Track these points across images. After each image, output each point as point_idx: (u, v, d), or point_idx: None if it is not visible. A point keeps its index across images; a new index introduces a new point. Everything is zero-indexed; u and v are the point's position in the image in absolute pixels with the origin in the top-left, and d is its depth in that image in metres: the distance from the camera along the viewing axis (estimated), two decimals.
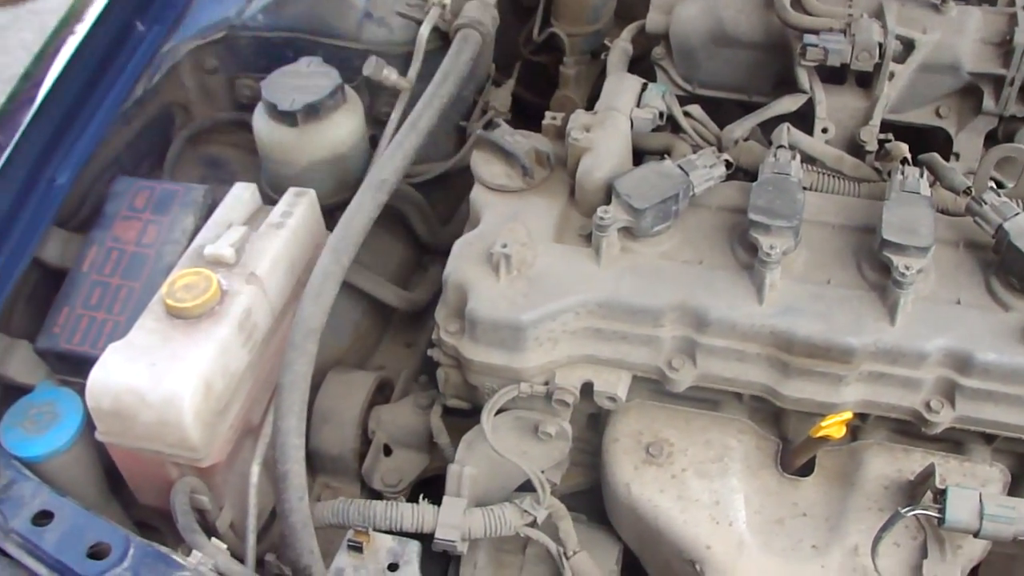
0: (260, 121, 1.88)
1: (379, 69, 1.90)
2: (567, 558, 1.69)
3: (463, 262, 1.63)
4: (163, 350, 1.56)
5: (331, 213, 1.82)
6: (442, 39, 1.99)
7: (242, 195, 1.80)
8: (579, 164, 1.68)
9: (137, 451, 1.60)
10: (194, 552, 1.48)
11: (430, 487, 1.74)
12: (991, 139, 1.94)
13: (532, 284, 1.59)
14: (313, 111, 1.80)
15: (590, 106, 1.82)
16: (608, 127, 1.71)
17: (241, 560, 1.67)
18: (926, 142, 1.92)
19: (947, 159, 1.92)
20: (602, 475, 1.70)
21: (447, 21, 1.98)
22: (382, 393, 2.04)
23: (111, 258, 1.81)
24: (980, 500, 1.47)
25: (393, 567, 1.40)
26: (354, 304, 2.11)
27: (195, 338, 1.58)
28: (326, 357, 2.01)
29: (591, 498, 1.81)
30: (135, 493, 1.74)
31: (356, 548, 1.40)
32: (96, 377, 1.55)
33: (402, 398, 2.01)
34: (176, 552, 1.47)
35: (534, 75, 2.38)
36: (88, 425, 1.62)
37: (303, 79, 1.86)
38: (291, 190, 1.81)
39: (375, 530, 1.59)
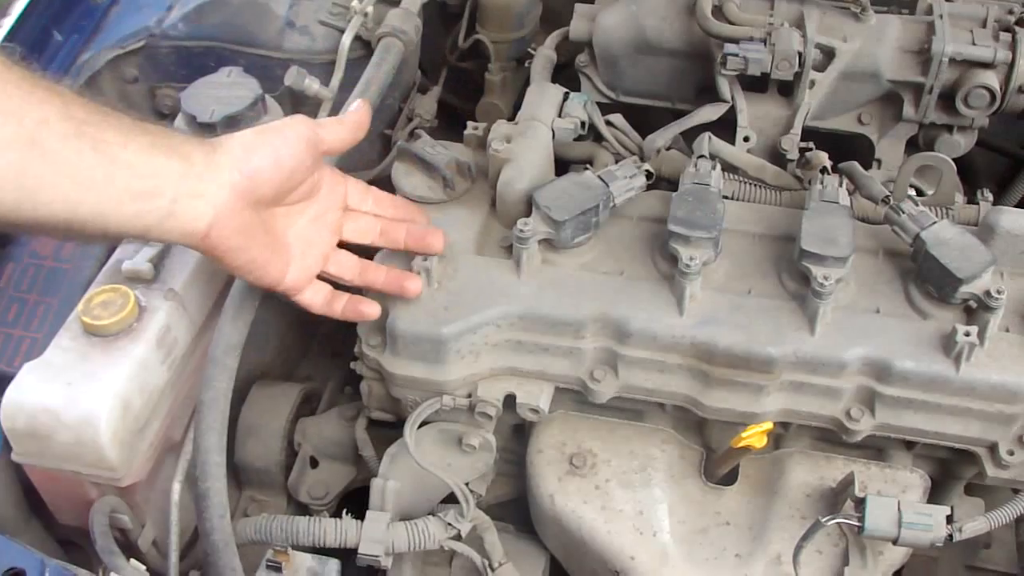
0: None
1: (301, 79, 1.89)
2: (492, 570, 1.69)
3: None
4: (79, 369, 1.54)
5: None
6: (365, 48, 1.98)
7: None
8: (500, 175, 1.67)
9: (55, 471, 1.57)
10: (112, 575, 1.45)
11: (359, 499, 1.73)
12: (913, 145, 1.95)
13: (453, 297, 1.59)
14: (233, 122, 1.78)
15: (515, 113, 1.81)
16: (529, 137, 1.70)
17: None
18: (850, 148, 1.93)
19: (870, 165, 1.94)
20: (527, 486, 1.69)
21: (369, 30, 1.96)
22: (309, 404, 2.02)
23: (28, 274, 1.78)
24: (898, 508, 1.48)
25: None
26: (279, 315, 2.09)
27: (112, 356, 1.56)
28: (251, 369, 2.00)
29: (519, 507, 1.80)
30: (55, 513, 1.72)
31: (275, 568, 1.39)
32: (11, 397, 1.53)
33: (329, 409, 2.00)
34: (95, 574, 1.45)
35: (462, 81, 2.37)
36: (5, 445, 1.59)
37: (223, 90, 1.84)
38: None
39: (298, 546, 1.58)
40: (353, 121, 1.56)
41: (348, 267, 1.60)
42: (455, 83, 2.36)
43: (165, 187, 1.31)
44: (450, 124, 2.16)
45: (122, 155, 1.27)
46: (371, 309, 1.59)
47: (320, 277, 1.58)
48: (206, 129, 1.79)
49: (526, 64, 2.05)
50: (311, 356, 2.23)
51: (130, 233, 1.33)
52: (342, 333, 1.95)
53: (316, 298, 1.58)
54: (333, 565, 1.41)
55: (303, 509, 1.95)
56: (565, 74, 2.07)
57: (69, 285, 1.75)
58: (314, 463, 1.96)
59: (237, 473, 1.96)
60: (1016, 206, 2.03)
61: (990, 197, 1.79)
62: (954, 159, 1.75)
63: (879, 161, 1.94)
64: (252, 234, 1.42)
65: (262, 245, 1.45)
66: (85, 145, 1.23)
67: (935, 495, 1.69)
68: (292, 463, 1.95)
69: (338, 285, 1.60)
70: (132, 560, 1.51)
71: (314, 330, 2.24)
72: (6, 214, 1.21)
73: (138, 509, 1.68)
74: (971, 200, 1.80)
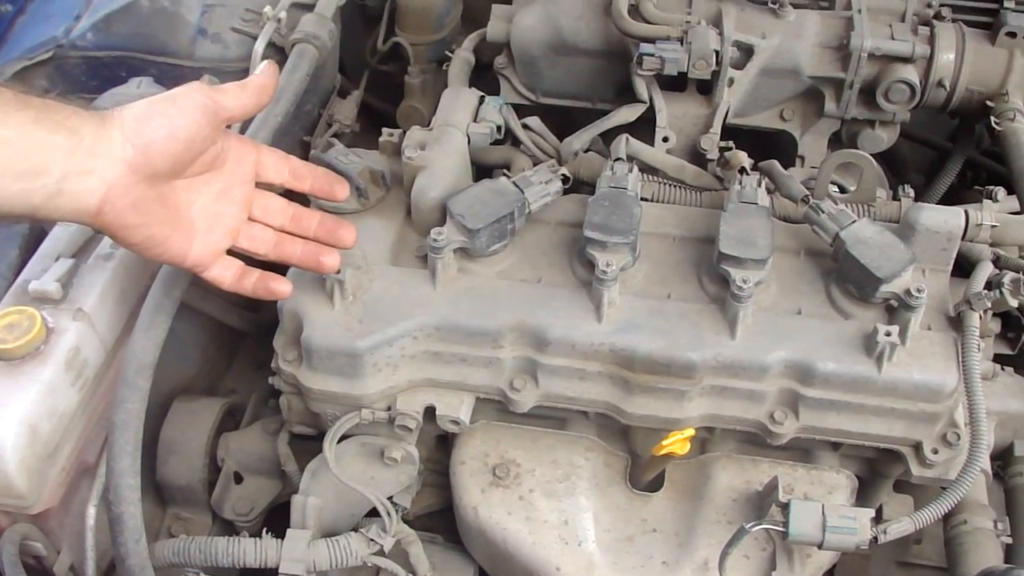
0: None
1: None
2: None
3: (297, 289, 1.58)
4: None
5: None
6: (279, 54, 1.93)
7: (70, 225, 1.73)
8: (414, 183, 1.64)
9: None
10: None
11: (288, 513, 1.70)
12: (836, 140, 1.94)
13: (368, 309, 1.56)
14: None
15: None
16: (444, 144, 1.67)
17: None
18: (773, 145, 1.92)
19: (794, 162, 1.93)
20: (452, 498, 1.67)
21: (283, 36, 1.92)
22: (232, 419, 1.99)
23: None
24: (823, 512, 1.46)
25: None
26: (201, 328, 2.06)
27: (18, 381, 1.51)
28: (174, 384, 1.97)
29: (448, 518, 1.77)
30: None
31: None
32: None
33: (252, 423, 1.97)
34: None
35: (384, 84, 2.33)
36: None
37: (134, 100, 1.80)
38: None
39: (219, 567, 1.55)
40: (256, 85, 1.46)
41: (262, 240, 1.52)
42: (377, 86, 2.32)
43: (51, 164, 1.25)
44: (373, 127, 2.12)
45: (4, 129, 1.21)
46: (282, 287, 1.54)
47: (232, 252, 1.51)
48: None
49: (445, 67, 2.02)
50: (235, 369, 2.19)
51: (18, 212, 1.27)
52: (267, 345, 1.92)
53: (225, 274, 1.50)
54: None
55: (229, 526, 1.92)
56: (487, 76, 2.04)
57: None
58: (239, 479, 1.93)
59: (160, 492, 1.93)
60: (943, 196, 2.04)
61: (911, 193, 1.78)
62: (881, 151, 1.74)
63: (802, 158, 1.94)
64: (148, 210, 1.36)
65: (160, 221, 1.38)
66: None
67: (864, 494, 1.68)
68: (216, 479, 1.91)
69: (254, 261, 1.54)
70: None
71: (238, 342, 2.20)
72: None
73: (53, 535, 1.63)
74: (895, 196, 1.79)
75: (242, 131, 1.81)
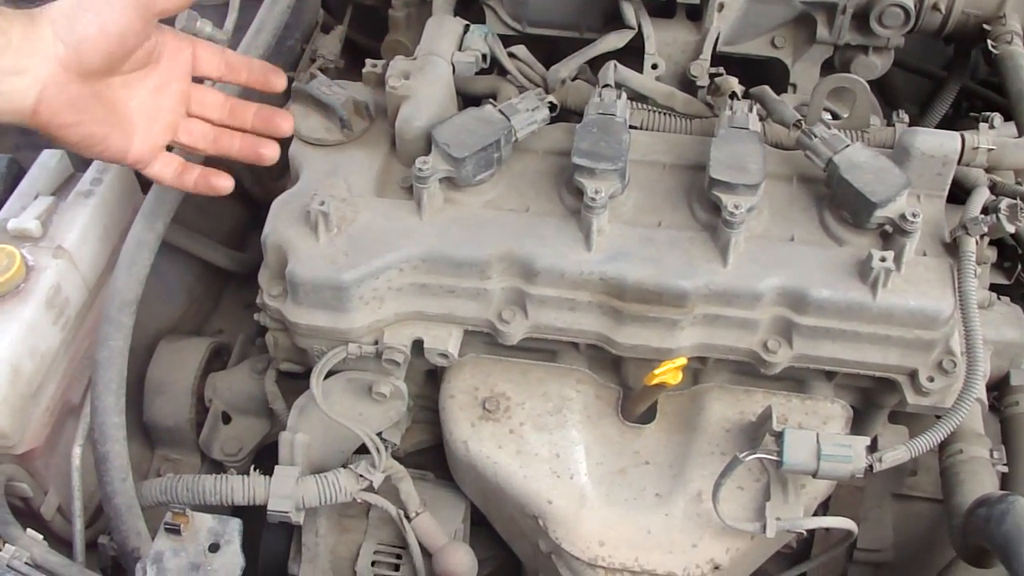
0: None
1: (192, 22, 1.80)
2: (409, 520, 1.66)
3: (280, 222, 1.55)
4: None
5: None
6: None
7: (49, 163, 1.70)
8: (398, 113, 1.61)
9: None
10: (7, 546, 1.39)
11: (276, 452, 1.68)
12: (828, 68, 1.90)
13: (353, 241, 1.53)
14: None
15: None
16: (428, 73, 1.64)
17: (70, 545, 1.61)
18: (764, 74, 1.88)
19: (785, 90, 1.89)
20: (442, 433, 1.65)
21: None
22: (219, 359, 1.97)
23: None
24: (817, 440, 1.44)
25: (214, 547, 1.34)
26: (187, 268, 2.04)
27: None
28: (161, 324, 1.96)
29: (438, 454, 1.76)
30: None
31: (174, 530, 1.33)
32: None
33: (239, 363, 1.95)
34: None
35: (368, 19, 2.29)
36: None
37: None
38: None
39: (207, 505, 1.54)
40: None
41: (200, 135, 1.53)
42: (361, 21, 2.28)
43: None
44: (357, 63, 2.08)
45: None
46: (223, 182, 1.55)
47: (172, 150, 1.53)
48: None
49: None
50: (222, 309, 2.17)
51: None
52: (253, 284, 1.90)
53: (166, 171, 1.51)
54: (234, 524, 1.36)
55: (217, 467, 1.91)
56: (474, 7, 2.00)
57: None
58: (226, 419, 1.91)
59: (148, 433, 1.91)
60: (938, 126, 2.00)
61: (906, 118, 1.74)
62: (874, 80, 1.71)
63: (794, 86, 1.90)
64: (85, 108, 1.35)
65: (98, 119, 1.38)
66: None
67: (858, 425, 1.66)
68: (203, 420, 1.90)
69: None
70: (29, 530, 1.45)
71: (225, 282, 2.17)
72: None
73: (39, 476, 1.62)
74: (889, 123, 1.76)
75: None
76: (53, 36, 1.29)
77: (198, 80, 1.53)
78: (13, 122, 1.31)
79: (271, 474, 1.59)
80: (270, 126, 1.56)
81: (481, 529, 1.79)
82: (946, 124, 2.10)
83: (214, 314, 2.16)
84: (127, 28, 1.35)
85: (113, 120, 1.40)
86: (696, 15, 1.81)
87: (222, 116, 1.55)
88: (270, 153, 1.55)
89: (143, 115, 1.45)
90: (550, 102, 1.61)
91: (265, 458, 1.84)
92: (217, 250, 2.05)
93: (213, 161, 1.58)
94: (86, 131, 1.37)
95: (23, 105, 1.29)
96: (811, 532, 1.80)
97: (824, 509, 1.70)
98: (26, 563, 1.35)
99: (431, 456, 1.82)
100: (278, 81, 1.57)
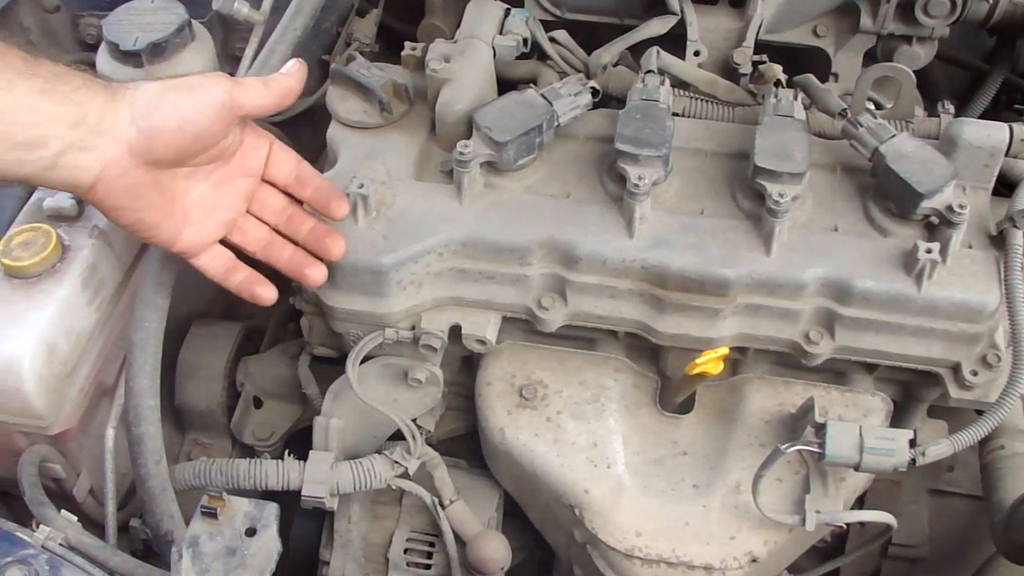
0: (103, 62, 1.76)
1: (230, 3, 1.80)
2: (443, 508, 1.64)
3: None
4: (0, 313, 1.47)
5: None
6: None
7: None
8: (438, 96, 1.59)
9: None
10: (41, 527, 1.38)
11: (306, 439, 1.67)
12: (870, 58, 1.88)
13: (392, 225, 1.51)
14: (158, 50, 1.69)
15: None
16: (468, 56, 1.62)
17: (102, 527, 1.60)
18: (805, 63, 1.86)
19: (826, 80, 1.87)
20: (477, 420, 1.63)
21: None
22: (251, 342, 1.96)
23: None
24: (860, 433, 1.42)
25: (251, 532, 1.32)
26: None
27: (35, 299, 1.49)
28: (192, 307, 1.94)
29: (471, 442, 1.75)
30: None
31: (210, 514, 1.32)
32: None
33: (272, 347, 1.94)
34: (24, 528, 1.38)
35: (403, 3, 2.27)
36: None
37: (148, 16, 1.74)
38: None
39: (240, 490, 1.52)
40: (281, 86, 1.40)
41: (253, 238, 1.48)
42: (396, 5, 2.26)
43: (50, 138, 1.21)
44: (392, 48, 2.07)
45: (2, 98, 1.17)
46: (266, 293, 1.48)
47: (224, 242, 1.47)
48: (130, 58, 1.71)
49: None
50: None
51: (9, 180, 1.24)
52: None
53: (213, 265, 1.46)
54: (271, 509, 1.34)
55: (248, 451, 1.90)
56: None
57: None
58: (258, 403, 1.90)
59: (179, 416, 1.90)
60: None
61: (951, 109, 1.72)
62: (914, 72, 1.68)
63: (836, 75, 1.88)
64: (142, 195, 1.32)
65: (152, 207, 1.34)
66: None
67: (897, 418, 1.64)
68: (235, 404, 1.89)
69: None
70: (63, 511, 1.44)
71: (257, 266, 2.15)
72: None
73: (72, 457, 1.61)
74: (931, 114, 1.74)
75: (260, 47, 1.76)
76: (130, 119, 1.26)
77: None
78: (68, 192, 1.32)
79: (304, 459, 1.57)
80: (320, 246, 1.48)
81: (513, 519, 1.77)
82: (986, 117, 2.07)
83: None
84: (205, 130, 1.32)
85: (167, 210, 1.36)
86: (739, 2, 1.79)
87: (278, 222, 1.49)
88: (315, 276, 1.49)
89: (200, 208, 1.40)
90: (592, 87, 1.60)
91: (296, 443, 1.83)
92: None
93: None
94: (137, 217, 1.34)
95: (81, 181, 1.26)
96: (846, 527, 1.78)
97: (860, 504, 1.68)
98: (60, 544, 1.34)
99: (464, 444, 1.81)
100: (339, 210, 1.48)
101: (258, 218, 1.48)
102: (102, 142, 1.25)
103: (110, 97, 1.26)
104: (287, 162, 1.48)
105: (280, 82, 1.41)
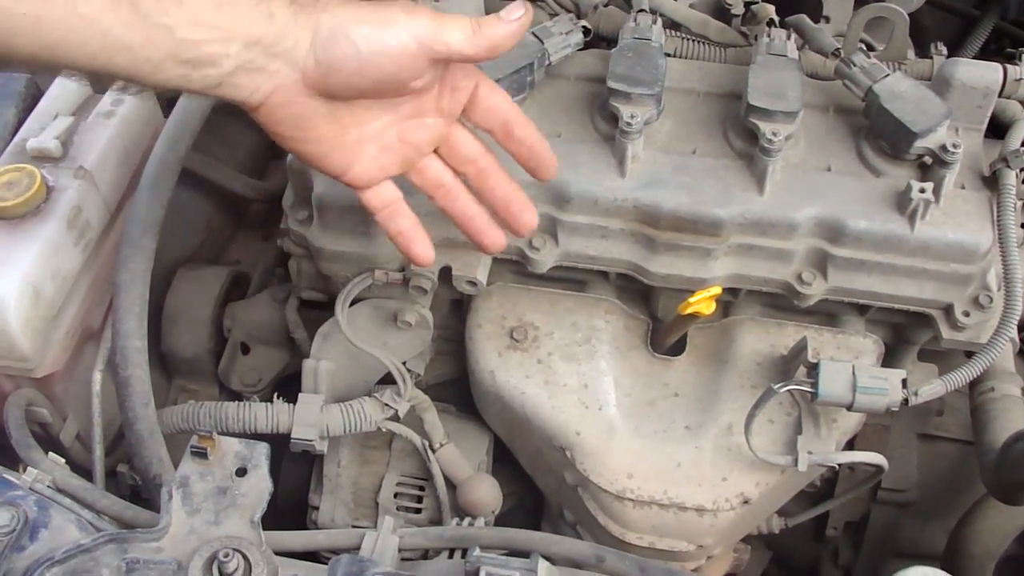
0: None
1: None
2: (433, 451, 1.64)
3: None
4: None
5: (169, 98, 1.70)
6: None
7: (69, 83, 1.66)
8: None
9: None
10: (29, 469, 1.37)
11: (294, 386, 1.66)
12: (862, 2, 1.86)
13: None
14: None
15: None
16: None
17: (89, 473, 1.59)
18: (796, 4, 1.84)
19: (818, 22, 1.85)
20: (467, 363, 1.62)
21: None
22: (238, 288, 1.94)
23: None
24: (853, 372, 1.42)
25: (241, 472, 1.30)
26: (205, 197, 2.00)
27: (19, 239, 1.47)
28: (177, 254, 1.93)
29: (460, 387, 1.74)
30: None
31: (200, 454, 1.30)
32: None
33: (259, 292, 1.92)
34: (12, 472, 1.37)
35: None
36: None
37: None
38: None
39: (228, 433, 1.51)
40: (493, 36, 1.19)
41: (433, 182, 1.31)
42: None
43: (221, 57, 1.09)
44: None
45: (172, 12, 1.05)
46: (424, 252, 1.33)
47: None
48: None
49: None
50: (240, 239, 2.14)
51: (175, 90, 1.13)
52: (272, 214, 1.88)
53: (377, 203, 1.29)
54: (262, 448, 1.32)
55: (236, 397, 1.89)
56: None
57: None
58: (245, 349, 1.89)
59: (166, 363, 1.89)
60: None
61: (944, 51, 1.71)
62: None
63: (827, 18, 1.85)
64: (311, 126, 1.19)
65: (322, 139, 1.20)
66: None
67: (888, 361, 1.63)
68: (222, 350, 1.88)
69: None
70: (51, 454, 1.43)
71: (243, 211, 2.14)
72: (25, 61, 1.05)
73: (58, 401, 1.60)
74: (923, 57, 1.73)
75: None
76: (309, 47, 1.12)
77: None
78: (233, 104, 1.16)
79: (293, 403, 1.56)
80: (510, 216, 1.33)
81: (503, 465, 1.77)
82: None
83: (231, 244, 2.13)
84: (392, 75, 1.16)
85: (338, 141, 1.22)
86: None
87: (467, 172, 1.32)
88: (495, 243, 1.34)
89: (378, 142, 1.24)
90: (584, 26, 1.58)
91: (284, 390, 1.82)
92: (236, 178, 2.01)
93: None
94: (301, 147, 1.22)
95: (247, 100, 1.14)
96: (835, 471, 1.78)
97: (850, 448, 1.67)
98: (48, 487, 1.33)
99: (453, 389, 1.80)
100: (549, 170, 1.33)
101: (444, 163, 1.32)
102: (275, 65, 1.12)
103: (292, 16, 1.12)
104: (496, 107, 1.29)
105: (494, 30, 1.19)
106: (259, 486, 1.29)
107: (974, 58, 2.07)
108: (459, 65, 1.25)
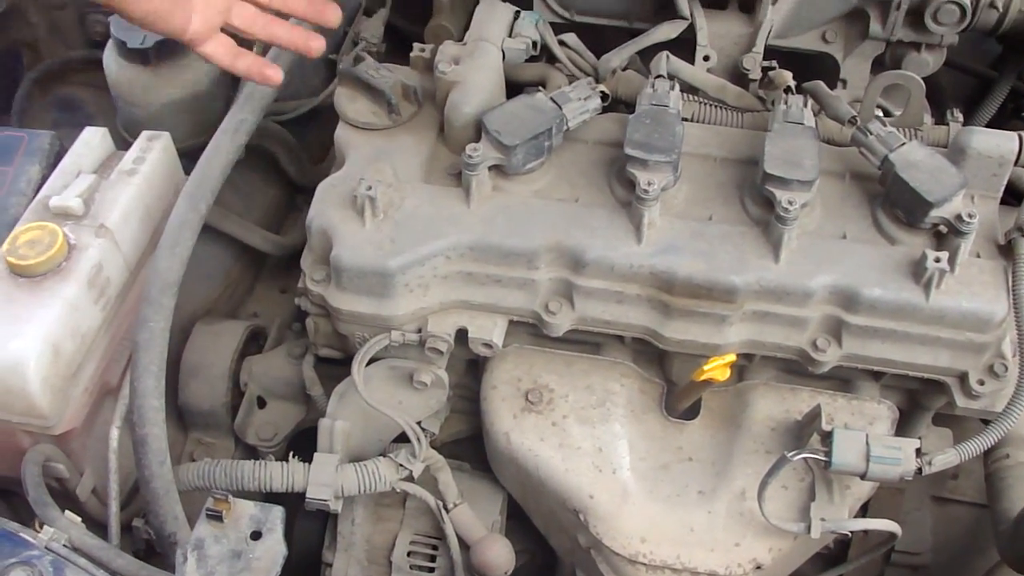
0: (110, 60, 1.76)
1: None
2: (447, 511, 1.64)
3: (326, 206, 1.54)
4: (5, 312, 1.46)
5: (190, 157, 1.71)
6: None
7: (92, 140, 1.68)
8: (447, 99, 1.59)
9: None
10: (45, 528, 1.38)
11: (309, 440, 1.67)
12: (879, 65, 1.87)
13: (399, 227, 1.51)
14: (166, 49, 1.70)
15: (466, 35, 1.73)
16: (478, 59, 1.62)
17: (104, 527, 1.59)
18: (814, 68, 1.85)
19: (835, 85, 1.87)
20: (482, 424, 1.63)
21: None
22: (255, 342, 1.95)
23: None
24: (867, 442, 1.42)
25: (256, 535, 1.31)
26: (223, 250, 2.02)
27: (40, 298, 1.47)
28: (196, 306, 1.94)
29: (475, 445, 1.74)
30: None
31: (215, 517, 1.31)
32: None
33: (276, 347, 1.93)
34: (28, 528, 1.38)
35: (411, 3, 2.26)
36: None
37: None
38: (144, 134, 1.70)
39: (244, 491, 1.52)
40: None
41: (252, 19, 1.53)
42: (404, 5, 2.25)
43: None
44: (398, 48, 2.07)
45: None
46: (274, 74, 1.55)
47: (225, 32, 1.53)
48: (137, 55, 1.70)
49: None
50: (257, 292, 2.15)
51: None
52: (290, 268, 1.89)
53: (219, 51, 1.52)
54: (277, 512, 1.33)
55: (251, 451, 1.89)
56: None
57: None
58: (262, 403, 1.90)
59: (182, 416, 1.90)
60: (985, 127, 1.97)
61: (960, 117, 1.72)
62: (922, 79, 1.68)
63: (844, 81, 1.87)
64: None
65: None
66: None
67: (903, 426, 1.64)
68: (239, 404, 1.88)
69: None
70: (67, 512, 1.43)
71: (261, 264, 2.15)
72: None
73: (76, 456, 1.61)
74: (939, 121, 1.74)
75: (267, 47, 1.76)
76: None
77: None
78: None
79: (307, 461, 1.57)
80: (320, 17, 1.56)
81: (516, 521, 1.77)
82: (992, 124, 2.07)
83: (249, 297, 2.14)
84: None
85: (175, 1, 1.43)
86: (749, 7, 1.78)
87: (271, 1, 1.55)
88: (317, 45, 1.55)
89: None
90: (602, 92, 1.59)
91: (299, 444, 1.83)
92: (255, 232, 2.03)
93: None
94: (150, 7, 1.40)
95: None
96: (850, 534, 1.77)
97: (863, 511, 1.67)
98: (64, 545, 1.33)
99: (467, 446, 1.80)
100: (333, 16, 1.57)
101: (252, 2, 1.53)
102: None
103: None
104: None
105: None
106: (273, 550, 1.30)
107: (991, 119, 2.08)
108: None
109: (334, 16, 1.56)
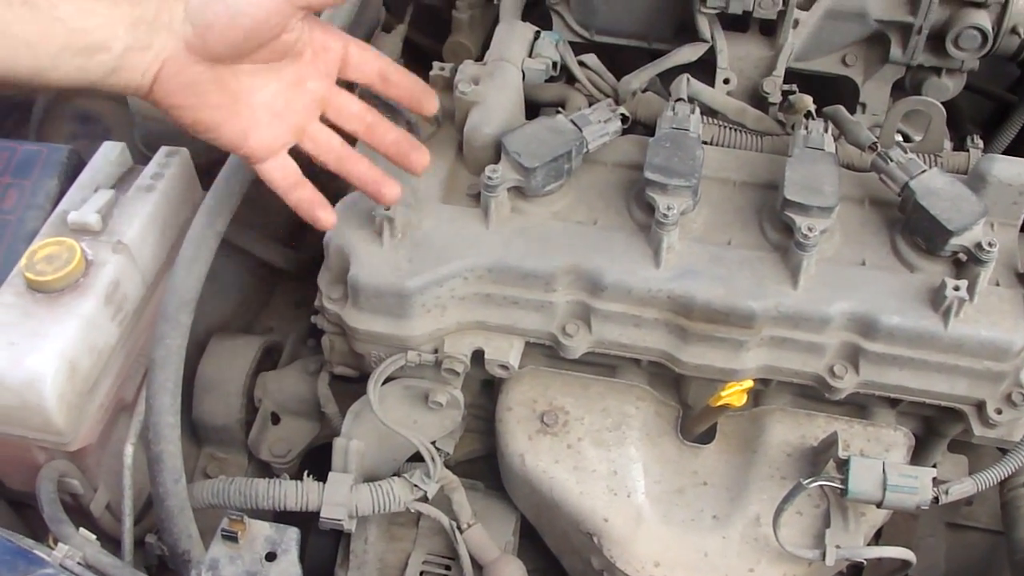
0: None
1: None
2: (460, 531, 1.63)
3: (344, 225, 1.53)
4: (22, 328, 1.45)
5: (208, 172, 1.71)
6: None
7: (110, 155, 1.69)
8: (467, 119, 1.59)
9: None
10: (60, 545, 1.38)
11: (323, 456, 1.67)
12: (898, 88, 1.87)
13: (417, 248, 1.51)
14: None
15: (484, 53, 1.73)
16: (497, 79, 1.62)
17: (117, 542, 1.60)
18: (833, 92, 1.85)
19: (854, 109, 1.86)
20: (496, 445, 1.63)
21: None
22: (270, 358, 1.95)
23: None
24: (883, 470, 1.42)
25: (271, 556, 1.32)
26: (239, 264, 2.02)
27: (57, 314, 1.47)
28: (211, 320, 1.93)
29: (489, 464, 1.74)
30: (2, 478, 1.65)
31: (231, 538, 1.32)
32: None
33: (290, 363, 1.93)
34: (42, 545, 1.38)
35: (429, 19, 2.27)
36: None
37: None
38: (163, 149, 1.70)
39: (258, 510, 1.52)
40: None
41: (326, 147, 1.41)
42: (422, 21, 2.26)
43: (110, 41, 1.19)
44: (416, 65, 2.06)
45: (60, 7, 1.15)
46: (327, 217, 1.43)
47: (294, 155, 1.41)
48: None
49: (496, 1, 1.94)
50: (273, 307, 2.15)
51: (75, 87, 1.23)
52: (305, 281, 1.88)
53: (278, 175, 1.39)
54: (292, 533, 1.34)
55: (265, 467, 1.89)
56: (537, 12, 1.97)
57: (12, 238, 1.63)
58: (276, 419, 1.89)
59: (196, 430, 1.89)
60: (1004, 153, 1.97)
61: (980, 144, 1.72)
62: (941, 103, 1.67)
63: (863, 105, 1.86)
64: (201, 92, 1.28)
65: (214, 105, 1.29)
66: None
67: (918, 453, 1.63)
68: (253, 420, 1.88)
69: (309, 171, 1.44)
70: (81, 529, 1.43)
71: (277, 280, 2.15)
72: None
73: (90, 473, 1.61)
74: (958, 146, 1.73)
75: None
76: (184, 15, 1.23)
77: (344, 85, 1.42)
78: (130, 94, 1.27)
79: (321, 478, 1.57)
80: (404, 160, 1.45)
81: (530, 541, 1.76)
82: (1011, 150, 2.07)
83: (264, 312, 2.14)
84: (261, 22, 1.25)
85: (231, 109, 1.31)
86: (770, 30, 1.78)
87: (358, 130, 1.43)
88: (391, 194, 1.44)
89: (268, 110, 1.34)
90: (622, 114, 1.59)
91: (313, 461, 1.83)
92: (270, 247, 2.03)
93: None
94: (197, 116, 1.30)
95: (141, 82, 1.24)
96: (864, 561, 1.77)
97: (877, 535, 1.67)
98: (78, 563, 1.33)
99: (482, 465, 1.80)
100: (431, 105, 1.47)
101: (335, 127, 1.42)
102: (159, 40, 1.22)
103: None
104: (367, 61, 1.42)
105: None
106: (288, 571, 1.30)
107: (1010, 143, 2.08)
108: (324, 27, 1.38)
109: (421, 161, 1.45)
